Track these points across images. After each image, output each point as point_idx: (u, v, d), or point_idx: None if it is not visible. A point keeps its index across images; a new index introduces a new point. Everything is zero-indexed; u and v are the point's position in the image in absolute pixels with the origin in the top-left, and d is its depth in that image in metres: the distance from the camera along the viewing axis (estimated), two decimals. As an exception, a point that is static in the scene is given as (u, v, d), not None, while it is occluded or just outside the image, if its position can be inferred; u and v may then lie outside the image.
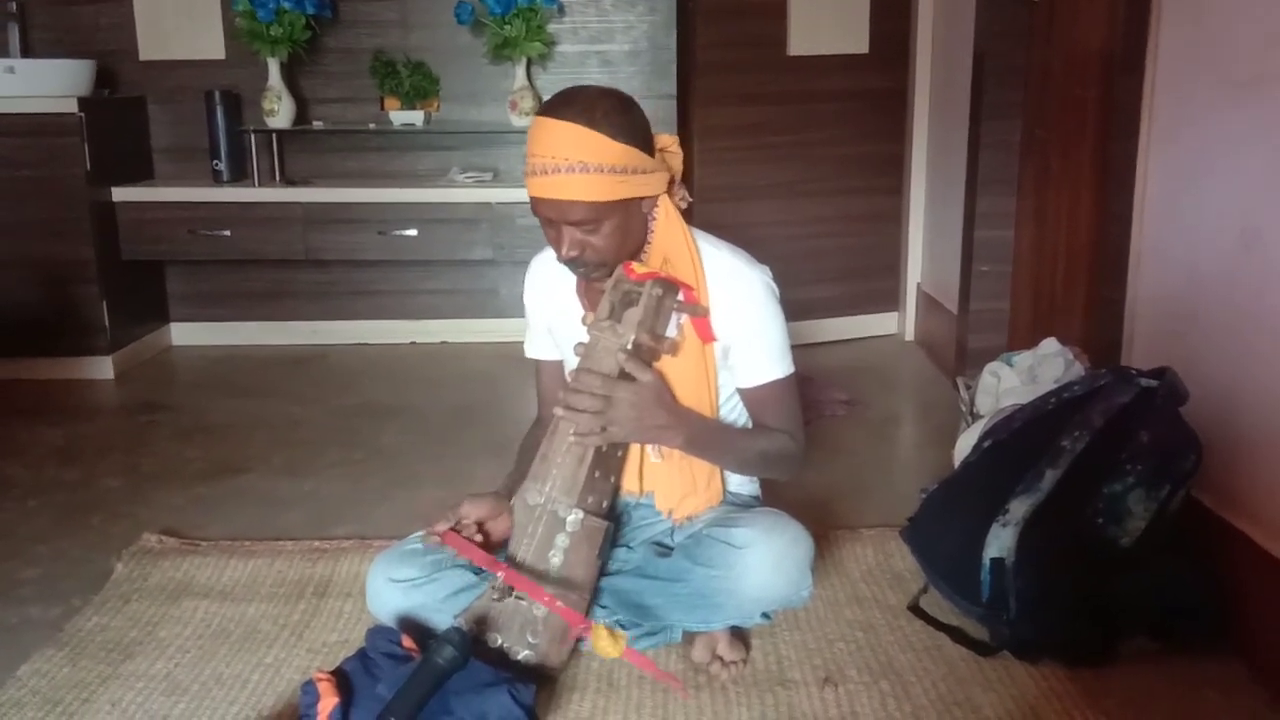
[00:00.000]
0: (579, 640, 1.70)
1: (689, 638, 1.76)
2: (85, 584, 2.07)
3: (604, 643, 1.57)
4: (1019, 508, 1.74)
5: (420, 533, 1.77)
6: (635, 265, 1.67)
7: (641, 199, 1.66)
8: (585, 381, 1.61)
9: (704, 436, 1.71)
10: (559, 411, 1.64)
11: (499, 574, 1.63)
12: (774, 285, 1.75)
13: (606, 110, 1.59)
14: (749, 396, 1.77)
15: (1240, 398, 1.81)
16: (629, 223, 1.65)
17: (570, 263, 1.66)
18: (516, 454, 1.90)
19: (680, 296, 1.66)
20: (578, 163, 1.56)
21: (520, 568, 1.66)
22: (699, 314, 1.67)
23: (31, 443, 2.90)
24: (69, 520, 2.39)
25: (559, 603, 1.61)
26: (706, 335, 1.69)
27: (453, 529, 1.65)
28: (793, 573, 1.66)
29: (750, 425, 1.81)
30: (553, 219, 1.63)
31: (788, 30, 3.58)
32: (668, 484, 1.76)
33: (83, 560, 2.18)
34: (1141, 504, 1.73)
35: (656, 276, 1.64)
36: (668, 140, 1.72)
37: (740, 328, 1.71)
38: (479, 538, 1.67)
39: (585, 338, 1.68)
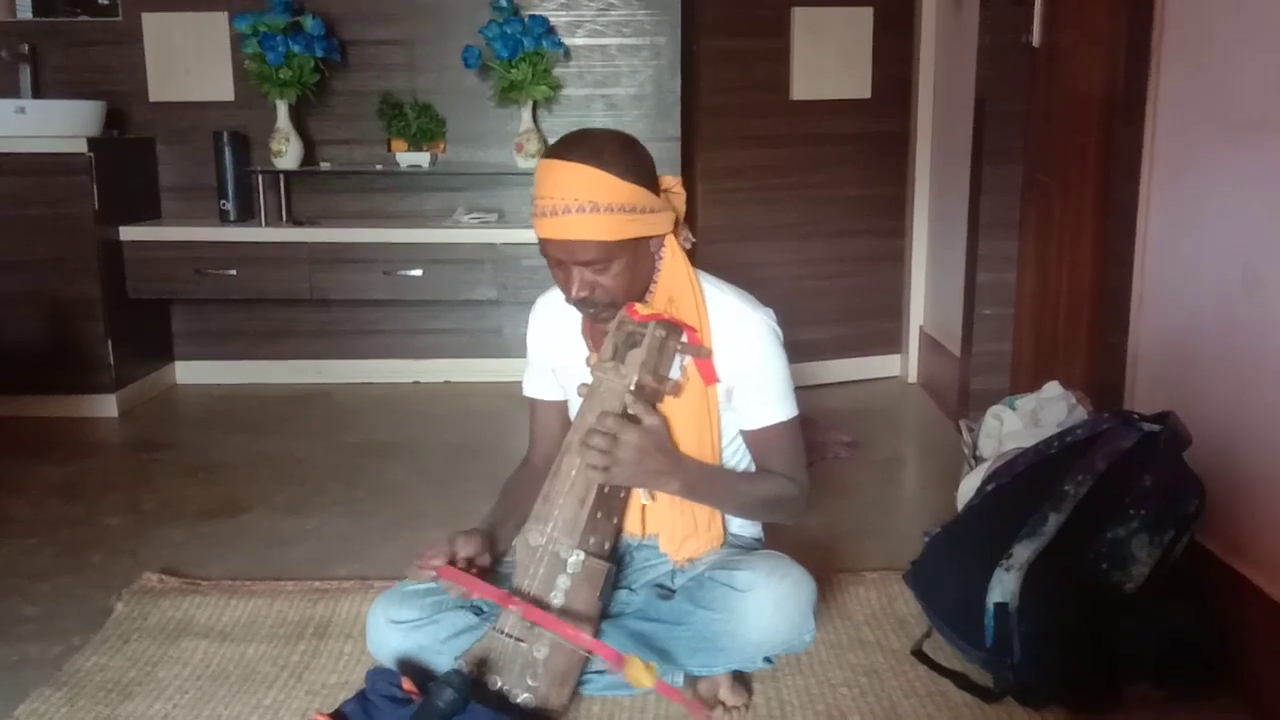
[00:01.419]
0: (579, 683, 1.69)
1: (691, 681, 1.75)
2: (85, 622, 2.06)
3: (639, 673, 1.55)
4: (1022, 552, 1.73)
5: (420, 585, 1.75)
6: (639, 306, 1.68)
7: (649, 238, 1.68)
8: (607, 425, 1.59)
9: (702, 483, 1.71)
10: (573, 440, 1.64)
11: (514, 608, 1.61)
12: (778, 329, 1.75)
13: (614, 151, 1.62)
14: (752, 439, 1.77)
15: (1243, 442, 1.80)
16: (637, 262, 1.67)
17: (580, 303, 1.67)
18: (500, 493, 1.89)
19: (684, 338, 1.67)
20: (588, 203, 1.58)
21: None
22: (702, 355, 1.68)
23: (34, 480, 2.90)
24: (70, 558, 2.39)
25: (586, 635, 1.60)
26: (709, 377, 1.70)
27: (448, 564, 1.63)
28: (795, 617, 1.65)
29: (753, 469, 1.81)
30: (562, 260, 1.64)
31: (791, 75, 3.62)
32: (670, 526, 1.76)
33: (83, 598, 2.18)
34: (1145, 549, 1.72)
35: (660, 318, 1.65)
36: (671, 181, 1.73)
37: (743, 370, 1.71)
38: (467, 568, 1.66)
39: (589, 378, 1.68)
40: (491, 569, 1.71)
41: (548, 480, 1.68)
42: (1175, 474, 1.77)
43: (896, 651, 1.92)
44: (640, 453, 1.60)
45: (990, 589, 1.74)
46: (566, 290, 1.67)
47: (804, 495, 1.79)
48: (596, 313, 1.69)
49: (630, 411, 1.61)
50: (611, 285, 1.65)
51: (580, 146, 1.62)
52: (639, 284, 1.69)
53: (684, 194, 1.75)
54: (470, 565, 1.66)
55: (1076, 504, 1.75)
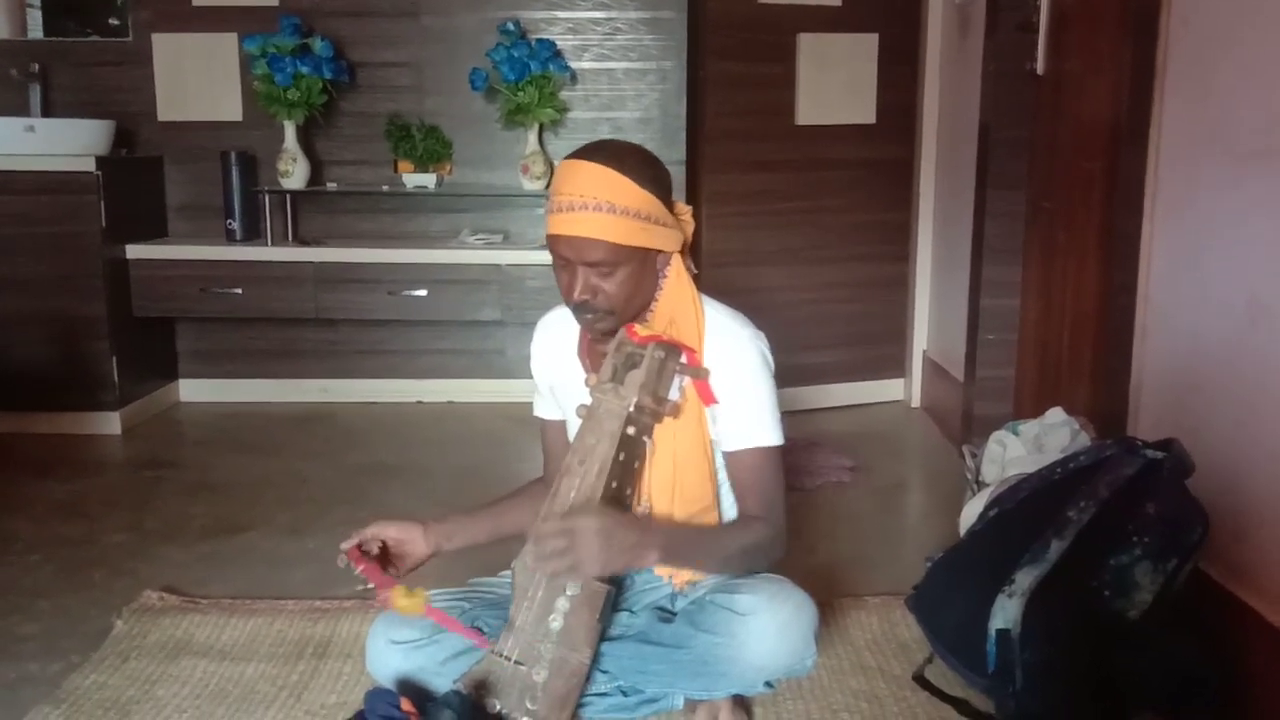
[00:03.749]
0: (579, 705, 1.69)
1: (691, 705, 1.74)
2: (85, 640, 2.06)
3: (403, 601, 1.59)
4: (1025, 578, 1.73)
5: (431, 591, 1.77)
6: (638, 327, 1.68)
7: (657, 254, 1.68)
8: (546, 529, 1.55)
9: (680, 544, 1.66)
10: (571, 463, 1.65)
11: (360, 570, 1.68)
12: (769, 355, 1.74)
13: (635, 160, 1.65)
14: (732, 462, 1.74)
15: (1247, 470, 1.80)
16: (642, 275, 1.67)
17: (579, 308, 1.67)
18: (505, 494, 1.93)
19: (683, 359, 1.67)
20: (604, 202, 1.59)
21: (520, 632, 1.65)
22: (701, 376, 1.68)
23: (37, 497, 2.90)
24: (71, 576, 2.38)
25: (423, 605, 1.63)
26: (708, 397, 1.69)
27: (357, 547, 1.72)
28: (797, 641, 1.64)
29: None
30: (569, 259, 1.64)
31: (796, 100, 3.64)
32: None
33: (83, 616, 2.17)
34: (1148, 576, 1.72)
35: (658, 339, 1.65)
36: (681, 208, 1.74)
37: (729, 387, 1.70)
38: (374, 551, 1.73)
39: (588, 399, 1.69)
40: (420, 557, 1.79)
41: (545, 503, 1.68)
42: (1179, 502, 1.77)
43: (898, 677, 1.91)
44: (603, 535, 1.52)
45: (993, 615, 1.73)
46: (568, 294, 1.67)
47: (781, 539, 1.72)
48: (594, 320, 1.68)
49: (629, 432, 1.61)
50: (614, 292, 1.65)
51: (602, 150, 1.65)
52: (640, 298, 1.70)
53: (693, 222, 1.75)
54: (385, 550, 1.75)
55: (1079, 531, 1.75)
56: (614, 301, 1.66)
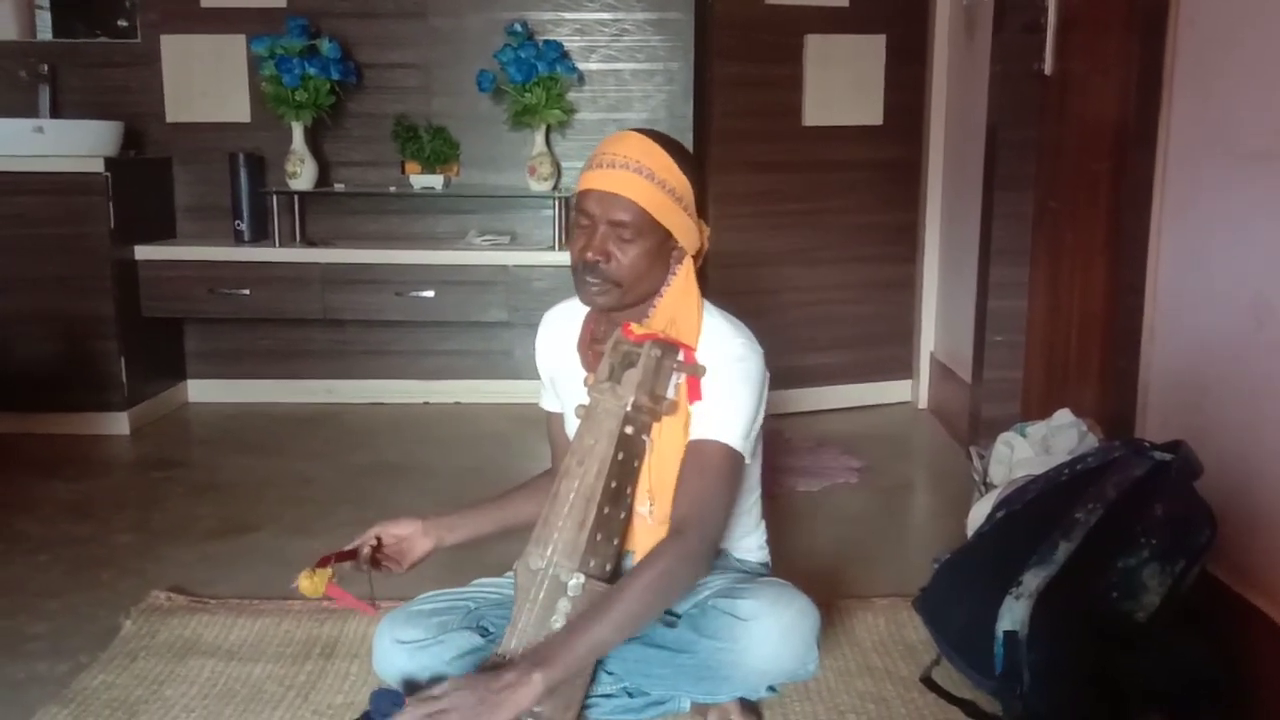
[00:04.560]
0: (585, 707, 1.69)
1: (700, 709, 1.74)
2: (93, 640, 2.06)
3: (304, 583, 1.64)
4: (1032, 580, 1.72)
5: (430, 593, 1.79)
6: (634, 326, 1.68)
7: (673, 246, 1.69)
8: (413, 714, 1.47)
9: (564, 652, 1.51)
10: (570, 464, 1.64)
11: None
12: (763, 369, 1.71)
13: (681, 149, 1.70)
14: (686, 453, 1.66)
15: (1255, 471, 1.80)
16: (655, 259, 1.68)
17: (588, 268, 1.67)
18: (512, 487, 1.94)
19: (680, 356, 1.67)
20: (645, 167, 1.64)
21: (523, 633, 1.65)
22: (698, 374, 1.67)
23: (45, 497, 2.91)
24: (79, 576, 2.39)
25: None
26: (694, 394, 1.67)
27: (346, 551, 1.74)
28: (799, 646, 1.62)
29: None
30: (593, 215, 1.66)
31: (803, 101, 3.63)
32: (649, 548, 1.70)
33: (91, 616, 2.18)
34: (1156, 578, 1.71)
35: (655, 337, 1.65)
36: (701, 223, 1.75)
37: (711, 386, 1.67)
38: (367, 551, 1.75)
39: (585, 398, 1.69)
40: (425, 553, 1.80)
41: (547, 503, 1.68)
42: (1187, 503, 1.76)
43: (905, 679, 1.91)
44: (475, 692, 1.45)
45: (1000, 617, 1.72)
46: (581, 254, 1.67)
47: (700, 556, 1.61)
48: (597, 290, 1.67)
49: (627, 431, 1.61)
50: (625, 263, 1.66)
51: (652, 131, 1.72)
52: (645, 284, 1.70)
53: (707, 233, 1.76)
54: (379, 547, 1.77)
55: (1087, 532, 1.75)
56: (622, 273, 1.66)
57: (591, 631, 1.54)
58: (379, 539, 1.78)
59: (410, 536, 1.80)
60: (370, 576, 1.74)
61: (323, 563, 1.70)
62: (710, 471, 1.64)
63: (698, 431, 1.66)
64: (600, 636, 1.55)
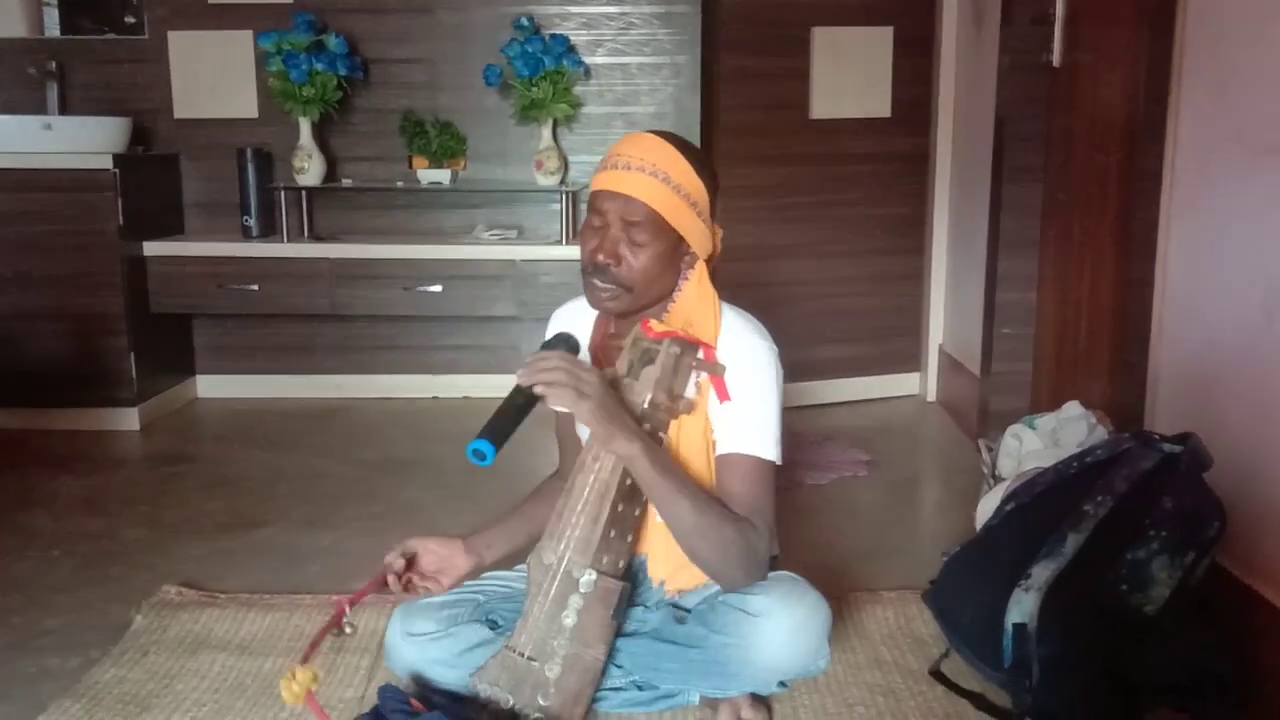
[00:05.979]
0: (594, 700, 1.69)
1: (711, 703, 1.74)
2: (105, 635, 2.07)
3: (285, 694, 1.50)
4: (1041, 573, 1.72)
5: (435, 598, 1.78)
6: (654, 323, 1.68)
7: (686, 250, 1.69)
8: (563, 360, 1.56)
9: (663, 459, 1.59)
10: (585, 459, 1.64)
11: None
12: (779, 366, 1.72)
13: (696, 153, 1.70)
14: (722, 465, 1.68)
15: (1264, 464, 1.79)
16: (667, 263, 1.68)
17: (598, 270, 1.66)
18: (527, 497, 1.92)
19: (699, 354, 1.67)
20: (660, 170, 1.64)
21: (534, 628, 1.65)
22: (718, 372, 1.67)
23: (56, 493, 2.93)
24: (91, 571, 2.40)
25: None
26: (723, 394, 1.67)
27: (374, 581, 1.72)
28: (810, 642, 1.62)
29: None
30: (608, 215, 1.65)
31: (811, 94, 3.63)
32: (664, 550, 1.72)
33: (103, 611, 2.19)
34: (1165, 571, 1.71)
35: (674, 335, 1.65)
36: (716, 227, 1.76)
37: (736, 391, 1.67)
38: (399, 566, 1.72)
39: None
40: (460, 573, 1.78)
41: (561, 498, 1.68)
42: (1196, 496, 1.76)
43: (914, 671, 1.91)
44: (604, 391, 1.54)
45: (1009, 609, 1.73)
46: (592, 255, 1.66)
47: (765, 551, 1.65)
48: (607, 294, 1.67)
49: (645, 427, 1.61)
50: (636, 266, 1.65)
51: (668, 134, 1.71)
52: (656, 289, 1.70)
53: (720, 247, 1.76)
54: (411, 565, 1.74)
55: (1096, 525, 1.74)
56: (633, 276, 1.66)
57: (683, 476, 1.60)
58: (415, 556, 1.76)
59: (450, 555, 1.78)
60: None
61: (322, 634, 1.66)
62: (752, 484, 1.66)
63: (731, 445, 1.67)
64: (683, 490, 1.58)
